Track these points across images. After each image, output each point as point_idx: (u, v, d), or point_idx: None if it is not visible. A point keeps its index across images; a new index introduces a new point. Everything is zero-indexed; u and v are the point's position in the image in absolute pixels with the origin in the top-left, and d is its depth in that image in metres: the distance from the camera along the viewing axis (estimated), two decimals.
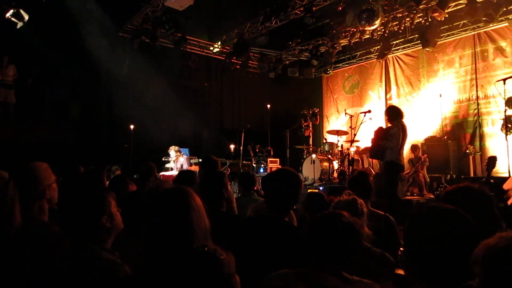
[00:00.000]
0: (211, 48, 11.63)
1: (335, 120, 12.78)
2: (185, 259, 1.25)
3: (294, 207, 3.80)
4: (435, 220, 1.24)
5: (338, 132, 9.73)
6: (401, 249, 2.55)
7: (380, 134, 6.09)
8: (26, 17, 7.45)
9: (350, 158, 7.47)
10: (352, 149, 9.10)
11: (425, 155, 8.36)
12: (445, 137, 9.30)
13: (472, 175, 8.72)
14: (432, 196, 7.64)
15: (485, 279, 0.93)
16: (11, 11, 7.32)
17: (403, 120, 6.08)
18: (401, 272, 1.58)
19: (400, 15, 9.20)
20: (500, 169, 7.65)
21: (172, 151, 8.79)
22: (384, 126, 6.46)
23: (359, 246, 1.59)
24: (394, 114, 6.12)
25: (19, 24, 7.47)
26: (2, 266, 1.60)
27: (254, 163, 10.12)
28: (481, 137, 9.32)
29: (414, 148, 8.60)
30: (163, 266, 1.33)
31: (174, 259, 1.27)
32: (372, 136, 6.39)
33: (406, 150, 10.37)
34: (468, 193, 1.78)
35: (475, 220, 1.22)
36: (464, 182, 2.05)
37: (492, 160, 5.00)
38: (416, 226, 1.28)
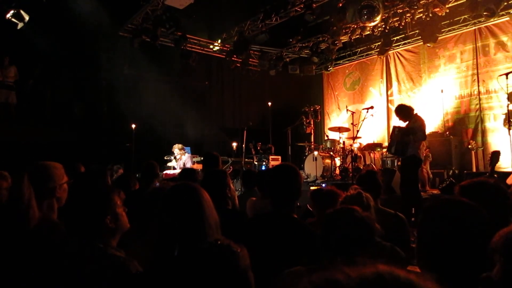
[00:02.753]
0: (211, 47, 11.61)
1: (336, 117, 12.76)
2: (203, 253, 1.24)
3: (298, 204, 3.78)
4: (449, 213, 1.23)
5: (339, 129, 9.72)
6: (412, 245, 2.54)
7: (403, 130, 6.10)
8: (27, 18, 7.44)
9: (353, 154, 7.44)
10: (356, 145, 9.08)
11: (427, 150, 8.33)
12: (447, 133, 9.29)
13: (474, 170, 8.69)
14: (435, 191, 7.61)
15: (507, 265, 0.93)
16: (12, 11, 7.31)
17: (417, 113, 6.14)
18: (411, 268, 1.57)
19: (400, 11, 9.16)
20: (503, 164, 7.64)
21: (176, 149, 8.80)
22: (396, 125, 6.51)
23: (372, 241, 1.59)
24: (407, 112, 6.17)
25: (20, 25, 7.46)
26: (15, 262, 1.61)
27: (255, 161, 10.12)
28: (483, 132, 9.30)
29: None
30: (179, 261, 1.32)
31: (191, 253, 1.26)
32: (391, 133, 6.51)
33: None
34: (485, 187, 1.78)
35: (491, 214, 1.21)
36: (480, 177, 2.04)
37: (496, 155, 4.98)
38: (430, 218, 1.28)
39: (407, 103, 10.63)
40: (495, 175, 5.08)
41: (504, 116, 7.56)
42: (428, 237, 1.25)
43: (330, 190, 2.96)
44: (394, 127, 6.43)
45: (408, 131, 5.92)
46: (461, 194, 1.73)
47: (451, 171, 8.54)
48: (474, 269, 0.98)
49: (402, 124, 6.31)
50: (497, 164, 5.61)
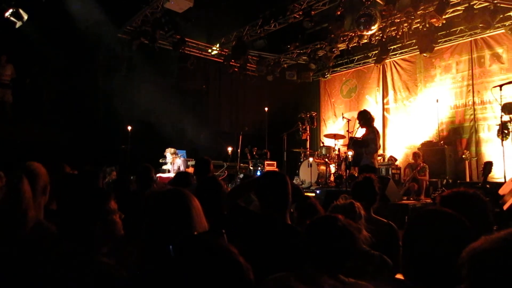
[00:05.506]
0: (210, 51, 11.64)
1: (332, 124, 12.82)
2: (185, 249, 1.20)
3: (291, 210, 3.80)
4: (432, 223, 1.26)
5: (335, 136, 9.76)
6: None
7: (356, 143, 6.48)
8: (25, 17, 7.44)
9: (348, 162, 7.49)
10: (350, 153, 9.11)
11: (423, 164, 8.35)
12: (441, 142, 9.35)
13: (468, 180, 8.76)
14: (429, 200, 7.66)
15: (472, 282, 0.94)
16: (10, 10, 7.31)
17: (374, 124, 6.55)
18: (399, 276, 1.60)
19: (398, 21, 9.25)
20: (496, 175, 7.69)
21: (168, 153, 8.79)
22: (357, 136, 6.86)
23: (354, 249, 1.60)
24: (368, 119, 6.53)
25: (18, 24, 7.46)
26: (11, 264, 1.60)
27: (251, 166, 10.13)
28: (477, 143, 9.38)
29: (415, 155, 8.61)
30: (164, 266, 1.31)
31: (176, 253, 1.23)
32: (347, 146, 6.95)
33: (404, 156, 10.46)
34: (464, 197, 1.81)
35: (472, 223, 1.24)
36: (460, 187, 2.08)
37: (488, 166, 5.02)
38: (414, 228, 1.30)
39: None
40: (488, 185, 5.11)
41: (498, 127, 7.64)
42: (412, 246, 1.27)
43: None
44: (350, 138, 6.75)
45: (361, 143, 6.24)
46: (442, 204, 1.76)
47: (444, 180, 8.60)
48: (455, 278, 1.00)
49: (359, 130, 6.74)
50: (490, 175, 5.65)
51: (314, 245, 1.57)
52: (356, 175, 7.71)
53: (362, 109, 7.08)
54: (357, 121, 6.70)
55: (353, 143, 6.50)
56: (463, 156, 8.97)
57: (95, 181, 3.30)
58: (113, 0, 8.46)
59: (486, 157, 8.82)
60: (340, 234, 1.55)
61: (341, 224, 1.58)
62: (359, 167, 6.39)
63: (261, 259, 1.95)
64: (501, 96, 6.77)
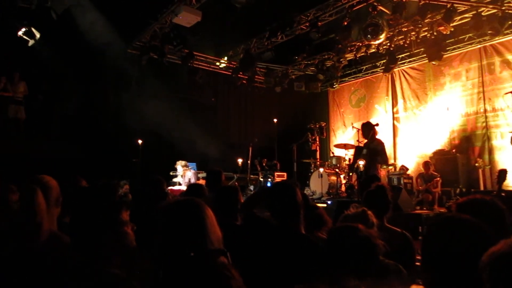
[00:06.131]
0: (218, 64, 11.76)
1: (341, 134, 12.77)
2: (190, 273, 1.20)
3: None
4: (452, 230, 1.24)
5: (345, 146, 9.71)
6: (417, 264, 2.51)
7: (372, 151, 6.54)
8: (38, 35, 7.63)
9: (359, 172, 7.44)
10: (361, 163, 9.04)
11: (436, 175, 8.23)
12: (453, 151, 9.23)
13: (482, 188, 8.60)
14: (443, 210, 7.53)
15: (492, 285, 0.92)
16: (23, 29, 7.51)
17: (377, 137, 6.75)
18: (415, 287, 1.57)
19: (405, 29, 9.26)
20: (511, 183, 7.56)
21: (179, 166, 8.81)
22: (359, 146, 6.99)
23: (375, 259, 1.59)
24: (370, 132, 6.62)
25: (31, 42, 7.65)
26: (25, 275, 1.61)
27: (261, 177, 10.09)
28: (490, 151, 9.24)
29: (426, 164, 8.50)
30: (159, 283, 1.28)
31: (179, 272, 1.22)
32: (354, 153, 7.11)
33: (415, 165, 10.33)
34: (480, 204, 1.78)
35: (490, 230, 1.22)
36: (476, 194, 2.06)
37: (503, 173, 4.95)
38: (433, 235, 1.29)
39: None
40: (503, 194, 5.02)
41: (511, 134, 7.53)
42: (431, 252, 1.25)
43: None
44: (359, 148, 6.79)
45: (377, 152, 6.24)
46: (458, 212, 1.73)
47: (458, 189, 8.46)
48: (476, 283, 0.98)
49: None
50: (505, 183, 5.56)
51: (334, 255, 1.56)
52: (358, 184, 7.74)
53: (365, 121, 7.13)
54: (361, 133, 6.77)
55: (366, 152, 6.48)
56: (476, 164, 8.83)
57: (113, 194, 3.33)
58: (122, 16, 8.62)
59: (500, 165, 8.67)
60: (361, 244, 1.54)
61: (362, 235, 1.58)
62: (367, 177, 6.33)
63: (274, 269, 1.93)
64: None
